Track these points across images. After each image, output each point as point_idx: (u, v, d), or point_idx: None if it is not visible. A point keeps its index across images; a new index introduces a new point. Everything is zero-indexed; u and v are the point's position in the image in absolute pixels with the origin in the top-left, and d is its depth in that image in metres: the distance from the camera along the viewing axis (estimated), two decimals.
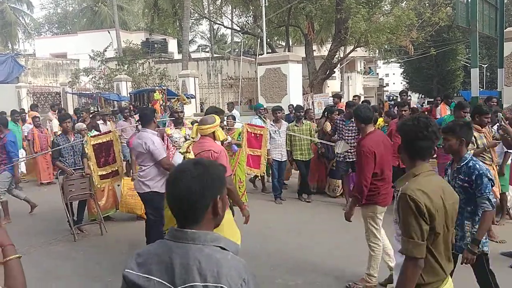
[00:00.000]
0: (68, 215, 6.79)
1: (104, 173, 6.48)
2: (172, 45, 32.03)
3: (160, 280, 1.48)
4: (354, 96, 13.79)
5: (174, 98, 7.53)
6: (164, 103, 14.05)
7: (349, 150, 7.36)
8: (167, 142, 5.64)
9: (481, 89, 45.71)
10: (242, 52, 38.03)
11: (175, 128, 5.82)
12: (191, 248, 1.49)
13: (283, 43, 31.30)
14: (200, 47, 47.26)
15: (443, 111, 8.91)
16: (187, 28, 19.80)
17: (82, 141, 6.87)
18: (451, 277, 2.51)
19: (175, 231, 1.54)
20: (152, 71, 20.15)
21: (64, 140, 7.21)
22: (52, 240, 6.77)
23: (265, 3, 15.28)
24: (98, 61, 21.27)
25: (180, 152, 4.60)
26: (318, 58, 21.03)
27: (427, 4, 18.09)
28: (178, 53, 34.73)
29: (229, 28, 28.27)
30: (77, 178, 6.89)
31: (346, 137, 7.46)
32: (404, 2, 17.25)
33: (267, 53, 16.85)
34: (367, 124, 4.39)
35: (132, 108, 13.84)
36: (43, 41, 35.35)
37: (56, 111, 14.43)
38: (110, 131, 6.78)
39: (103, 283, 5.16)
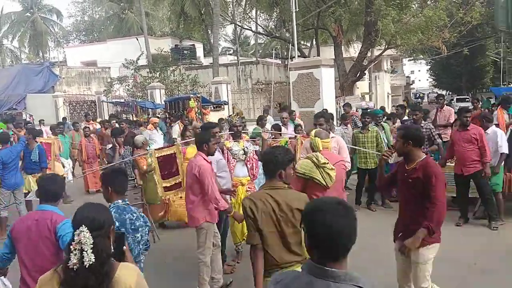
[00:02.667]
0: None
1: (168, 185, 6.75)
2: (199, 50, 32.43)
3: None
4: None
5: (233, 114, 7.71)
6: (199, 110, 14.45)
7: None
8: (228, 155, 5.87)
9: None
10: (266, 54, 38.19)
11: (234, 141, 6.04)
12: (331, 286, 1.60)
13: (308, 44, 31.38)
14: (224, 50, 47.67)
15: (501, 117, 8.64)
16: (216, 35, 20.11)
17: (147, 153, 7.14)
18: None
19: (315, 267, 1.65)
20: (183, 77, 20.52)
21: (114, 151, 7.63)
22: None
23: (295, 8, 15.39)
24: (131, 69, 21.74)
25: (323, 162, 4.21)
26: (347, 60, 21.03)
27: (458, 3, 17.86)
28: (204, 57, 35.14)
29: (257, 33, 28.40)
30: (130, 189, 7.21)
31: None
32: (435, 2, 17.10)
33: (297, 57, 16.97)
34: (420, 147, 3.81)
35: (168, 116, 14.21)
36: (74, 50, 36.31)
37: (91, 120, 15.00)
38: (173, 144, 7.04)
39: None
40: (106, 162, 7.67)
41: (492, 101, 34.19)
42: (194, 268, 5.95)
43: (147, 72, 21.79)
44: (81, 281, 2.06)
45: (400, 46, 17.05)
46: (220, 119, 11.19)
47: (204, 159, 4.83)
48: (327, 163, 4.13)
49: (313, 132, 4.56)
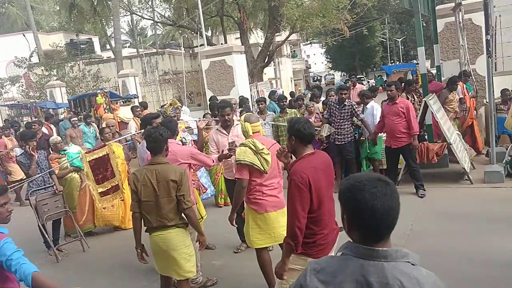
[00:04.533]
0: (47, 237, 6.47)
1: (103, 189, 6.16)
2: (96, 44, 30.60)
3: None
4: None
5: (166, 104, 7.27)
6: (108, 106, 13.63)
7: (337, 133, 7.56)
8: None
9: (398, 63, 48.90)
10: (166, 45, 37.21)
11: None
12: (385, 267, 1.45)
13: (208, 33, 31.10)
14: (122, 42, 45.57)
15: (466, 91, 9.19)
16: (118, 27, 19.08)
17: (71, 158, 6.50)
18: None
19: (364, 249, 1.50)
20: (84, 73, 19.16)
21: (27, 158, 6.78)
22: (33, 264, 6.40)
23: None
24: (24, 67, 19.78)
25: (261, 148, 4.01)
26: (253, 46, 21.19)
27: None
28: (101, 51, 33.25)
29: (160, 22, 27.34)
30: (50, 197, 6.55)
31: (338, 120, 7.59)
32: None
33: (206, 45, 16.68)
34: (308, 145, 3.24)
35: (73, 115, 13.19)
36: None
37: None
38: (105, 145, 6.40)
39: None
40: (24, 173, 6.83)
41: (384, 78, 36.96)
42: (129, 273, 5.60)
43: (42, 70, 20.01)
44: None
45: (304, 30, 17.49)
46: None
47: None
48: (264, 148, 4.07)
49: (242, 117, 4.44)
